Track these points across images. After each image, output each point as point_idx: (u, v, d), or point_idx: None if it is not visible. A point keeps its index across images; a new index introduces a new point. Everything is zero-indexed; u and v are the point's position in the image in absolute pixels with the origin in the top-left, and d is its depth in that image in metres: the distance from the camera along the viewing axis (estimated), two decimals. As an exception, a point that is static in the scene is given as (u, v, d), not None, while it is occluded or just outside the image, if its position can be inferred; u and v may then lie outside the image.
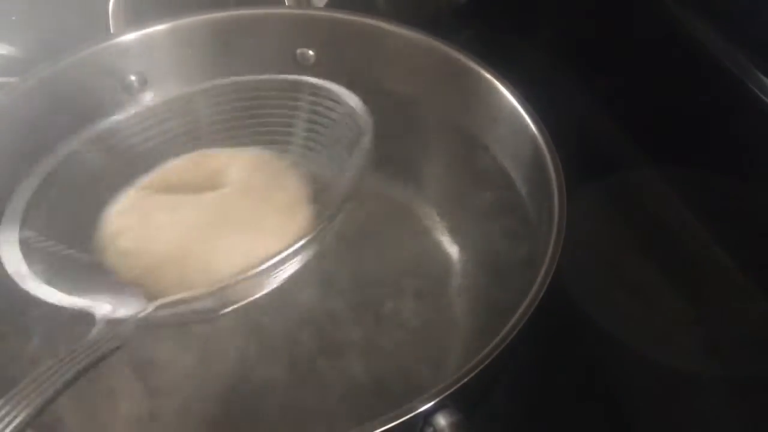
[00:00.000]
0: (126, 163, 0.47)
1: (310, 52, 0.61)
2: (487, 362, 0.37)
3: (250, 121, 0.48)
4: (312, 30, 0.60)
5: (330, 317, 0.49)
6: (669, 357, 0.50)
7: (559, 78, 0.69)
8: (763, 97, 0.61)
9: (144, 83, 0.59)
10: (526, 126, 0.51)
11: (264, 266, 0.38)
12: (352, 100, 0.46)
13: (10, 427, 0.30)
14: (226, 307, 0.39)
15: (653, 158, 0.63)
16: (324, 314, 0.49)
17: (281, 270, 0.39)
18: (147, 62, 0.58)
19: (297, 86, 0.48)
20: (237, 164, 0.46)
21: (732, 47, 0.63)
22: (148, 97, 0.58)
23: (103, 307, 0.37)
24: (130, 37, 0.57)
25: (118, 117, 0.48)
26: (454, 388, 0.36)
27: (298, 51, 0.61)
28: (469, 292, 0.51)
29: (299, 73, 0.55)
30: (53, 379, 0.32)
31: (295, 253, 0.39)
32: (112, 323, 0.36)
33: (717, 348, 0.52)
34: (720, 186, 0.60)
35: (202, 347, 0.49)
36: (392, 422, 0.35)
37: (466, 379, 0.37)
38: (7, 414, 0.31)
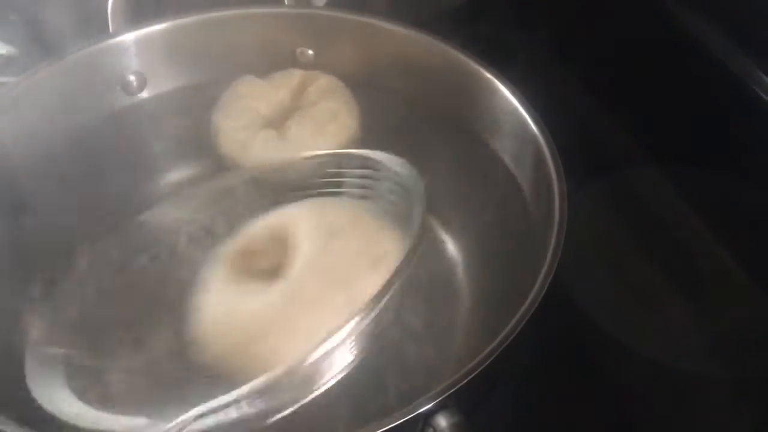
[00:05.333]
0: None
1: (310, 52, 0.61)
2: (487, 363, 0.37)
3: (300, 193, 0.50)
4: (311, 29, 0.60)
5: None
6: (669, 357, 0.50)
7: (560, 78, 0.69)
8: (764, 97, 0.61)
9: (143, 83, 0.59)
10: (527, 125, 0.51)
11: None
12: (401, 167, 0.47)
13: None
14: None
15: (654, 157, 0.63)
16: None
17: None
18: (146, 62, 0.58)
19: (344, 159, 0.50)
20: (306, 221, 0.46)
21: (733, 47, 0.63)
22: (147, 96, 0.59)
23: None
24: (130, 36, 0.57)
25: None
26: (455, 388, 0.36)
27: (298, 50, 0.61)
28: (469, 292, 0.51)
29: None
30: None
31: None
32: None
33: (717, 348, 0.52)
34: (720, 185, 0.60)
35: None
36: (392, 423, 0.35)
37: (466, 380, 0.37)
38: None
